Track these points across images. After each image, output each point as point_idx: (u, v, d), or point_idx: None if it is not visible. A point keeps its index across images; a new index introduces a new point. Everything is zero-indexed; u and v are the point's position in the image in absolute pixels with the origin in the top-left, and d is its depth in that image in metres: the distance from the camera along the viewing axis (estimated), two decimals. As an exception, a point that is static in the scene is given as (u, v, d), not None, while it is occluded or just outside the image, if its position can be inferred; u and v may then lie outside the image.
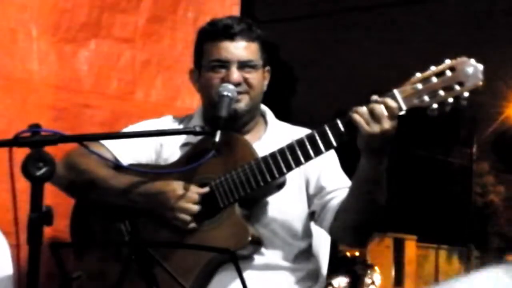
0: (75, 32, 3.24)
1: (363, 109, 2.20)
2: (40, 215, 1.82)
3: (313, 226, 2.54)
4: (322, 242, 2.61)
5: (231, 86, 2.39)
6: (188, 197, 2.30)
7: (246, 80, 2.43)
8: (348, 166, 2.43)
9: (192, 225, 2.31)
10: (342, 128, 2.24)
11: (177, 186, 2.32)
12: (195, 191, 2.32)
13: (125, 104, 3.30)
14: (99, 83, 3.31)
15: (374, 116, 2.18)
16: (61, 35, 3.20)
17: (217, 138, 2.23)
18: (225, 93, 2.37)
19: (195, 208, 2.31)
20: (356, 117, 2.20)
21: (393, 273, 22.30)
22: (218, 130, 2.25)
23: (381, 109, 2.19)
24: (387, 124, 2.18)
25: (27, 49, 3.17)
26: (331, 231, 2.43)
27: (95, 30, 3.29)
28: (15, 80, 3.14)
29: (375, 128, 2.18)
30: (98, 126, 3.20)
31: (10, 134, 1.95)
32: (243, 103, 2.42)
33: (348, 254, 18.38)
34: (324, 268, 2.62)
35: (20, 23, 3.15)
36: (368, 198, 2.30)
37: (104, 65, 3.32)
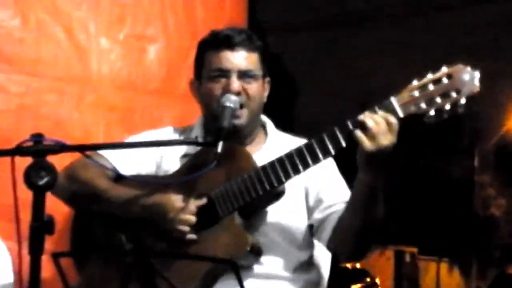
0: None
1: (366, 125, 2.16)
2: (41, 224, 1.83)
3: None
4: (323, 253, 2.60)
5: (233, 97, 2.39)
6: (186, 209, 2.31)
7: (245, 91, 2.43)
8: (349, 174, 2.41)
9: (191, 236, 2.31)
10: (340, 137, 2.23)
11: (176, 199, 2.32)
12: (193, 203, 2.32)
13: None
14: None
15: (376, 132, 2.14)
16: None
17: (219, 149, 2.23)
18: (227, 103, 2.37)
19: (193, 219, 2.31)
20: (358, 134, 2.17)
21: (393, 285, 22.23)
22: (220, 141, 2.25)
23: (383, 125, 2.16)
24: (388, 140, 2.15)
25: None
26: (328, 246, 2.42)
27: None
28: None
29: (375, 145, 2.14)
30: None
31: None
32: (242, 119, 2.43)
33: (349, 266, 18.29)
34: (325, 280, 2.61)
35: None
36: (366, 213, 2.27)
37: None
